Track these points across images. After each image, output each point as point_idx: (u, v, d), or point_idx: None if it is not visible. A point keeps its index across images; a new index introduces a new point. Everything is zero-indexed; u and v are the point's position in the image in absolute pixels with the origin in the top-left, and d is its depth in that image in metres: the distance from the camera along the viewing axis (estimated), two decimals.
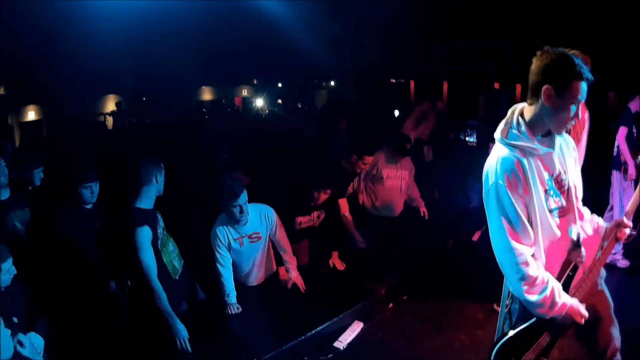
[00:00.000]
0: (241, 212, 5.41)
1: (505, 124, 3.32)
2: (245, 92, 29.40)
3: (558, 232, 3.33)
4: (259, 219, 5.78)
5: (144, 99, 23.14)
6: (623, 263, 7.66)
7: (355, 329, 5.96)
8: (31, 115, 19.93)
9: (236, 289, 5.74)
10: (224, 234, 5.57)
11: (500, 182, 3.12)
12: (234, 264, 5.76)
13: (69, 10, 13.57)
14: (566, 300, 3.25)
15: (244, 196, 5.38)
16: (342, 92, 25.25)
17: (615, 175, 7.71)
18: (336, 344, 5.64)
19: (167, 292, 4.81)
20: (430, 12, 15.10)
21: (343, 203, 7.12)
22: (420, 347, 5.84)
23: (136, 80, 20.52)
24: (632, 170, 7.36)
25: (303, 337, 5.41)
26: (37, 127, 19.77)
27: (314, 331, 5.51)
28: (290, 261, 6.17)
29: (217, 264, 5.59)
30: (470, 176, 9.99)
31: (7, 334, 3.60)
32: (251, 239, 5.71)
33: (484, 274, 7.36)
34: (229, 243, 5.60)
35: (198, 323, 5.25)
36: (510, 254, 3.20)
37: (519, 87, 14.21)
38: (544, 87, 3.10)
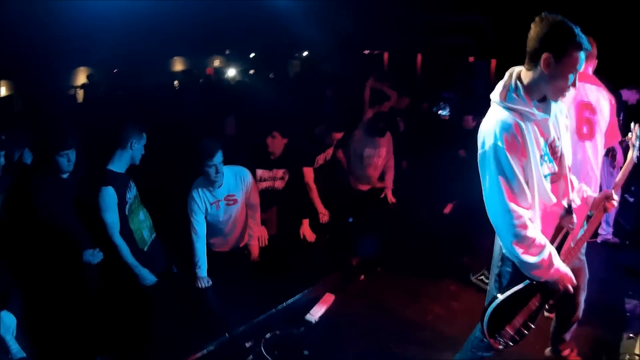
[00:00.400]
0: (216, 172, 5.42)
1: (504, 87, 3.27)
2: (217, 63, 29.21)
3: (553, 198, 3.33)
4: (234, 181, 5.78)
5: (115, 70, 22.88)
6: (614, 240, 7.77)
7: (327, 301, 5.94)
8: (2, 91, 19.67)
9: (208, 258, 5.70)
10: (200, 198, 5.55)
11: (500, 144, 3.09)
12: (210, 226, 5.74)
13: None
14: (560, 265, 3.28)
15: (219, 156, 5.39)
16: (316, 63, 25.13)
17: (603, 161, 7.75)
18: (308, 317, 5.64)
19: None
20: None
21: (308, 171, 7.01)
22: (393, 319, 5.83)
23: (107, 52, 20.27)
24: (619, 157, 7.39)
25: (274, 310, 5.40)
26: (8, 103, 19.54)
27: (285, 304, 5.50)
28: (253, 227, 6.13)
29: (192, 232, 5.58)
30: (442, 149, 10.01)
31: None
32: (227, 202, 5.70)
33: (456, 245, 7.46)
34: (206, 208, 5.59)
35: (169, 296, 5.22)
36: (508, 216, 3.15)
37: (493, 62, 14.22)
38: (544, 55, 3.07)
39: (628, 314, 5.05)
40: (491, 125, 3.16)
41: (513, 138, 3.10)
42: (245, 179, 5.88)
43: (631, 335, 4.50)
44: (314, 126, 7.24)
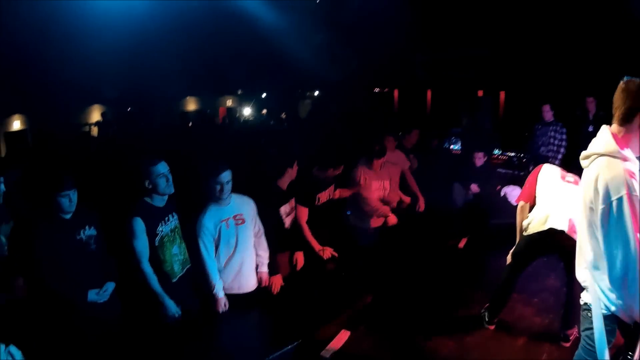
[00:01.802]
0: (221, 189, 5.43)
1: (614, 140, 3.37)
2: (230, 103, 29.40)
3: None
4: (241, 202, 5.79)
5: (129, 109, 23.09)
6: None
7: (342, 338, 5.95)
8: (16, 125, 19.84)
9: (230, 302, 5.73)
10: (209, 218, 5.52)
11: (632, 191, 3.17)
12: (226, 258, 5.70)
13: (54, 20, 13.55)
14: None
15: (226, 174, 5.44)
16: (326, 102, 25.29)
17: None
18: (323, 353, 5.64)
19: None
20: (413, 22, 15.17)
21: (302, 211, 6.87)
22: (407, 355, 5.84)
23: (121, 91, 20.47)
24: None
25: (289, 347, 5.40)
26: (21, 137, 19.68)
27: (300, 341, 5.50)
28: (263, 255, 6.11)
29: (203, 252, 5.50)
30: (455, 182, 10.06)
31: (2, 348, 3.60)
32: (236, 221, 5.67)
33: (470, 280, 7.47)
34: (216, 229, 5.56)
35: (187, 333, 5.25)
36: None
37: (502, 95, 14.27)
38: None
39: None
40: (618, 176, 3.22)
41: (636, 185, 3.20)
42: (251, 204, 5.90)
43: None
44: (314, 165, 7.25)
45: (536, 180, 5.90)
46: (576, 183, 5.42)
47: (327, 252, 6.93)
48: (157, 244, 5.03)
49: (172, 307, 5.07)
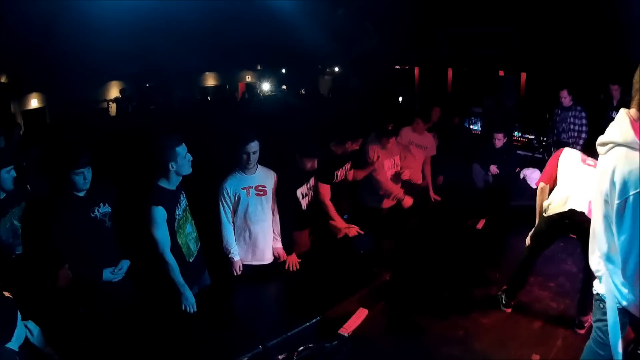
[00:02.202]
0: (248, 159, 5.60)
1: (633, 129, 3.20)
2: (249, 78, 29.35)
3: None
4: (266, 174, 5.96)
5: (148, 85, 23.11)
6: None
7: (360, 316, 5.97)
8: (34, 103, 19.90)
9: (244, 271, 5.93)
10: (231, 185, 5.72)
11: None
12: (243, 226, 5.86)
13: None
14: None
15: (254, 144, 5.61)
16: (346, 79, 25.20)
17: None
18: (341, 331, 5.66)
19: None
20: None
21: (324, 188, 6.92)
22: (424, 335, 5.86)
23: (140, 67, 20.46)
24: None
25: (308, 324, 5.43)
26: (40, 115, 19.75)
27: (318, 318, 5.53)
28: (276, 231, 6.24)
29: (222, 215, 5.75)
30: (474, 163, 10.04)
31: (20, 320, 3.64)
32: (257, 191, 5.82)
33: (488, 261, 7.47)
34: (236, 195, 5.73)
35: (204, 308, 5.30)
36: None
37: (523, 75, 14.14)
38: None
39: None
40: (636, 170, 3.06)
41: None
42: (274, 178, 6.07)
43: None
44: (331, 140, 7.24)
45: (557, 162, 5.89)
46: (595, 166, 5.39)
47: (353, 230, 6.98)
48: (175, 228, 5.06)
49: (191, 298, 5.13)
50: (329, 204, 6.98)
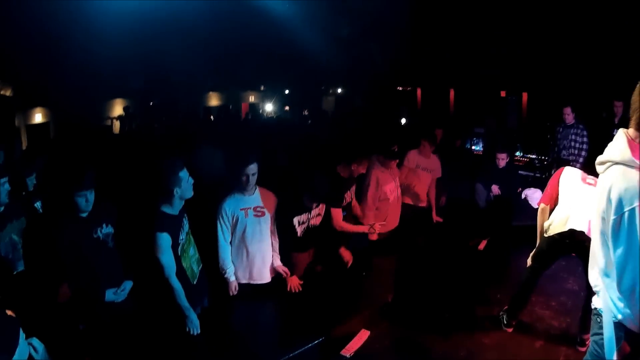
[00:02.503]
0: (247, 181, 5.58)
1: (629, 148, 3.25)
2: (252, 99, 29.43)
3: None
4: (265, 196, 5.90)
5: (152, 103, 23.18)
6: None
7: (362, 337, 5.99)
8: (38, 117, 19.89)
9: (242, 290, 5.83)
10: (230, 205, 5.66)
11: None
12: (240, 246, 5.80)
13: (76, 13, 13.62)
14: None
15: (253, 167, 5.57)
16: (350, 99, 25.29)
17: None
18: (343, 352, 5.68)
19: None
20: (436, 19, 15.13)
21: (337, 213, 6.89)
22: (427, 355, 5.88)
23: (144, 84, 20.52)
24: None
25: (310, 345, 5.44)
26: (44, 130, 19.77)
27: (320, 339, 5.54)
28: (276, 249, 6.17)
29: (219, 235, 5.70)
30: (477, 183, 10.06)
31: (23, 337, 3.65)
32: (256, 212, 5.77)
33: (490, 281, 7.48)
34: (234, 216, 5.67)
35: (206, 329, 5.30)
36: None
37: (525, 95, 14.19)
38: None
39: None
40: (632, 187, 3.12)
41: None
42: (274, 200, 6.01)
43: None
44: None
45: (558, 182, 5.93)
46: (595, 185, 5.43)
47: (375, 236, 7.21)
48: (179, 253, 5.04)
49: (196, 321, 5.07)
50: (345, 225, 6.98)
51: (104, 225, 4.95)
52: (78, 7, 13.50)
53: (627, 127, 3.38)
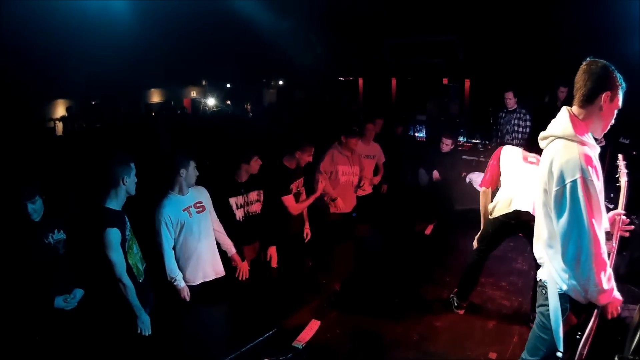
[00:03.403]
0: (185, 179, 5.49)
1: (572, 123, 3.41)
2: (194, 94, 29.21)
3: (607, 223, 3.54)
4: (198, 191, 5.78)
5: (93, 103, 22.83)
6: None
7: (313, 327, 6.00)
8: None
9: (192, 290, 5.68)
10: (171, 209, 5.49)
11: (587, 176, 3.20)
12: (187, 247, 5.66)
13: (15, 12, 13.36)
14: (616, 289, 3.44)
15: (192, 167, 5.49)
16: (291, 91, 25.26)
17: None
18: (295, 343, 5.68)
19: None
20: (378, 8, 15.15)
21: (288, 200, 6.91)
22: (379, 341, 5.90)
23: (86, 84, 20.18)
24: None
25: (262, 338, 5.43)
26: None
27: (271, 332, 5.54)
28: (226, 240, 6.13)
29: (163, 243, 5.47)
30: (420, 168, 10.13)
31: None
32: (197, 209, 5.66)
33: (437, 265, 7.56)
34: (179, 220, 5.53)
35: (156, 330, 5.24)
36: (594, 245, 3.22)
37: (467, 82, 14.33)
38: (604, 95, 3.34)
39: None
40: (573, 159, 3.25)
41: (595, 169, 3.26)
42: (205, 192, 5.89)
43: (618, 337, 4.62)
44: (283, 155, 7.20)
45: (498, 164, 6.05)
46: (538, 163, 5.52)
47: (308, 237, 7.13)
48: (126, 249, 4.98)
49: (147, 321, 4.99)
50: (301, 205, 7.07)
51: (56, 231, 4.87)
52: (14, 7, 13.23)
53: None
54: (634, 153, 7.44)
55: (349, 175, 8.02)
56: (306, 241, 7.17)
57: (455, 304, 6.43)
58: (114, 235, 4.69)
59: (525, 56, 13.10)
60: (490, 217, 6.01)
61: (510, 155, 6.01)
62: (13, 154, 11.40)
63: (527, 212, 5.49)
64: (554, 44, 12.29)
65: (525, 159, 5.90)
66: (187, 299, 5.56)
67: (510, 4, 12.91)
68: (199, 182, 5.71)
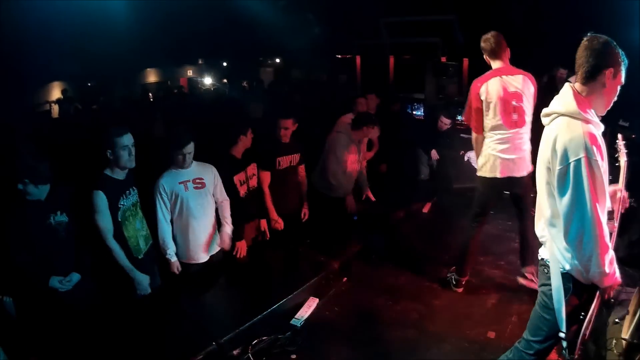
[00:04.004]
0: (184, 160, 5.50)
1: (575, 101, 3.36)
2: (190, 73, 29.11)
3: (609, 202, 3.47)
4: (203, 168, 5.83)
5: (89, 84, 22.75)
6: None
7: (311, 305, 6.00)
8: None
9: (189, 267, 5.78)
10: (167, 181, 5.57)
11: (590, 155, 3.16)
12: (183, 223, 5.72)
13: None
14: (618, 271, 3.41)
15: (190, 146, 5.49)
16: (288, 69, 25.19)
17: None
18: (293, 321, 5.68)
19: None
20: None
21: (265, 175, 6.91)
22: (378, 320, 5.91)
23: (80, 66, 20.08)
24: None
25: (260, 317, 5.43)
26: None
27: (269, 310, 5.53)
28: (227, 217, 6.14)
29: (158, 214, 5.57)
30: (419, 148, 10.12)
31: None
32: (195, 184, 5.69)
33: (435, 244, 7.55)
34: (173, 191, 5.58)
35: (154, 309, 5.25)
36: (596, 226, 3.20)
37: (465, 61, 14.25)
38: (607, 71, 3.30)
39: (612, 300, 5.20)
40: (577, 138, 3.21)
41: (599, 148, 3.22)
42: (212, 171, 5.93)
43: (617, 320, 4.61)
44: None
45: (479, 98, 6.00)
46: (522, 88, 5.87)
47: (279, 225, 6.97)
48: (120, 218, 5.01)
49: (144, 281, 5.11)
50: (267, 191, 6.95)
51: (58, 213, 4.86)
52: None
53: None
54: (633, 136, 7.40)
55: (355, 163, 7.96)
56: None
57: (454, 282, 6.45)
58: (99, 198, 4.86)
59: (524, 36, 13.04)
60: (478, 174, 6.17)
61: (491, 89, 5.88)
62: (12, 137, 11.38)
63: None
64: (553, 24, 12.23)
65: (506, 88, 5.84)
66: (177, 272, 5.65)
67: None
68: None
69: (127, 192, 5.15)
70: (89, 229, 4.93)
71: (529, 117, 5.92)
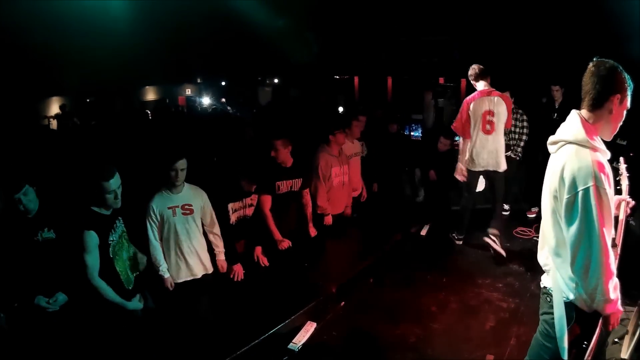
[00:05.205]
0: (176, 176, 5.54)
1: (584, 129, 3.33)
2: (189, 91, 29.18)
3: (614, 232, 3.47)
4: (192, 193, 5.87)
5: (88, 100, 22.81)
6: None
7: (308, 330, 5.95)
8: None
9: (182, 289, 5.82)
10: (157, 204, 5.64)
11: (600, 184, 3.14)
12: (171, 244, 5.78)
13: (8, 10, 13.29)
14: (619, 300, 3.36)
15: (182, 162, 5.55)
16: (286, 89, 25.26)
17: None
18: (291, 346, 5.64)
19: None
20: (375, 8, 15.14)
21: (266, 199, 6.98)
22: (375, 344, 5.85)
23: (80, 81, 20.12)
24: None
25: (256, 341, 5.39)
26: None
27: (266, 335, 5.49)
28: (218, 244, 6.24)
29: (149, 234, 5.67)
30: (417, 170, 10.12)
31: None
32: (184, 210, 5.76)
33: (433, 266, 7.52)
34: (163, 215, 5.66)
35: (150, 332, 5.21)
36: (603, 254, 3.16)
37: (463, 82, 14.32)
38: (614, 97, 3.28)
39: None
40: (586, 166, 3.18)
41: (607, 176, 3.19)
42: (203, 196, 5.99)
43: (616, 340, 4.59)
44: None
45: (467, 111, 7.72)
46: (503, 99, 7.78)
47: (285, 244, 7.09)
48: (111, 255, 4.96)
49: (134, 304, 5.12)
50: (269, 215, 7.02)
51: (46, 230, 4.83)
52: (8, 6, 13.17)
53: (568, 111, 3.47)
54: (631, 155, 7.42)
55: (340, 176, 8.14)
56: (280, 248, 7.14)
57: (457, 238, 8.26)
58: (90, 237, 4.77)
59: (521, 56, 13.08)
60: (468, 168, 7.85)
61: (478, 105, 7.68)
62: (8, 150, 11.36)
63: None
64: (550, 44, 12.28)
65: (485, 106, 7.69)
66: (170, 288, 5.72)
67: (506, 4, 12.91)
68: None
69: (114, 225, 5.09)
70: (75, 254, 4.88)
71: (499, 127, 7.80)
